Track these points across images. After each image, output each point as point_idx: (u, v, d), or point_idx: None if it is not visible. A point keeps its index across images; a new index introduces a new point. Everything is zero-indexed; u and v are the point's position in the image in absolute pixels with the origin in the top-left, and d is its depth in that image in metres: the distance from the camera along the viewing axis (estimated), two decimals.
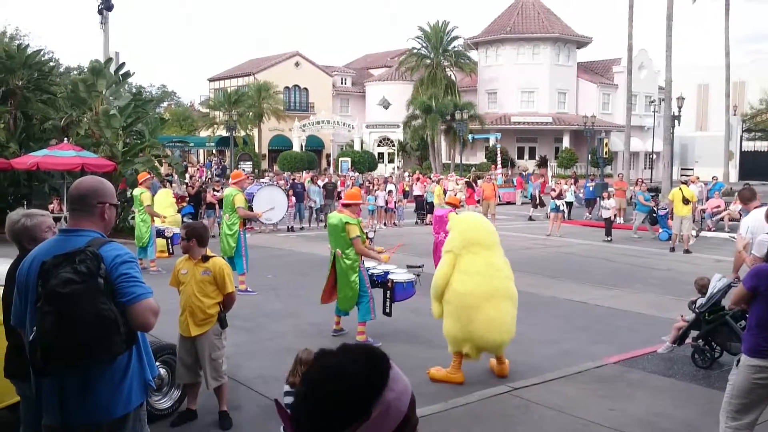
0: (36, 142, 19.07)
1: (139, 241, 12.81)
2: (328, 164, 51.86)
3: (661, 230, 19.23)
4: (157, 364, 5.02)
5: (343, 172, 40.87)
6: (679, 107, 32.92)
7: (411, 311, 9.17)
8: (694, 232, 17.56)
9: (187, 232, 5.61)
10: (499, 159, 42.14)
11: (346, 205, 8.22)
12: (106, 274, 2.89)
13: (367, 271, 8.28)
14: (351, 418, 1.28)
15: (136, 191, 13.29)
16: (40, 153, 17.05)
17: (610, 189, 22.77)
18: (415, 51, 50.97)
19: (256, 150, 50.87)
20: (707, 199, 23.16)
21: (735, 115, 52.01)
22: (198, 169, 40.11)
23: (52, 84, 20.78)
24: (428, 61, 50.05)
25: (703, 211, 22.08)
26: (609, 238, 18.76)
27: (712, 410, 5.50)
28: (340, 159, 47.93)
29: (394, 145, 52.58)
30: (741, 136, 53.78)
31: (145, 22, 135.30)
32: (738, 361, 4.60)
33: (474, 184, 26.33)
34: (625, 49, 31.70)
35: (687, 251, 16.60)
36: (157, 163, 20.49)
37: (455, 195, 14.32)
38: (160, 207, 13.90)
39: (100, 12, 22.26)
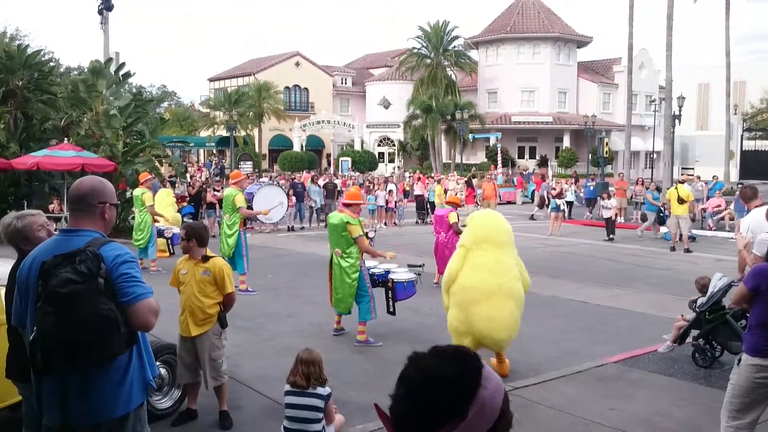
0: (36, 142, 19.07)
1: (137, 241, 12.81)
2: (329, 164, 51.87)
3: (666, 230, 19.08)
4: (158, 363, 5.02)
5: (344, 172, 40.89)
6: (680, 107, 32.91)
7: (412, 311, 9.16)
8: (663, 229, 17.68)
9: (187, 232, 5.61)
10: (499, 159, 42.14)
11: (346, 205, 8.22)
12: (107, 274, 2.89)
13: (368, 270, 8.27)
14: (448, 418, 1.32)
15: (137, 191, 13.29)
16: (40, 153, 17.04)
17: (610, 189, 22.77)
18: (415, 51, 50.96)
19: (257, 150, 50.87)
20: (708, 198, 23.14)
21: (735, 114, 52.03)
22: (198, 168, 40.07)
23: (52, 84, 20.78)
24: (428, 61, 50.04)
25: (704, 210, 22.07)
26: (611, 237, 18.74)
27: (712, 409, 5.50)
28: (341, 159, 47.94)
29: (394, 145, 52.58)
30: (741, 136, 53.79)
31: (146, 22, 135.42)
32: (739, 360, 4.59)
33: (471, 184, 26.32)
34: (625, 48, 31.72)
35: (687, 250, 16.58)
36: (157, 164, 20.49)
37: (456, 194, 14.33)
38: (160, 207, 13.91)
39: (100, 12, 22.27)
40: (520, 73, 49.73)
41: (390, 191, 22.73)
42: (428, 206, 23.53)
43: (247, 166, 42.81)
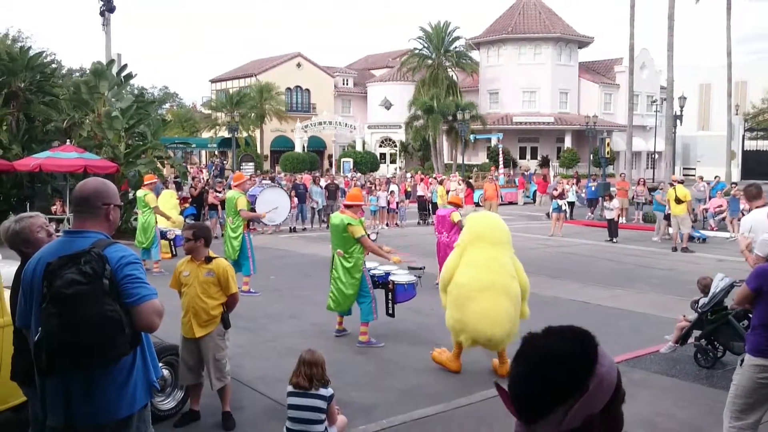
0: (38, 144, 19.10)
1: (141, 243, 12.82)
2: (330, 165, 51.88)
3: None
4: (160, 365, 5.03)
5: (345, 172, 40.88)
6: (681, 107, 32.90)
7: (413, 311, 9.17)
8: (670, 230, 17.59)
9: (195, 232, 5.61)
10: (501, 159, 42.14)
11: (347, 206, 8.26)
12: (111, 275, 2.90)
13: (369, 271, 8.29)
14: (570, 394, 1.37)
15: (140, 192, 13.31)
16: (42, 155, 17.07)
17: (612, 189, 22.75)
18: (416, 51, 50.96)
19: (258, 151, 50.90)
20: (710, 198, 23.12)
21: (737, 114, 51.99)
22: (199, 170, 40.05)
23: (54, 86, 20.80)
24: (430, 62, 50.04)
25: (706, 210, 22.06)
26: (613, 240, 18.72)
27: (715, 410, 5.50)
28: (342, 160, 47.95)
29: (395, 146, 52.59)
30: (743, 136, 53.80)
31: (147, 24, 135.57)
32: (742, 360, 4.60)
33: (471, 184, 26.31)
34: (626, 48, 31.70)
35: (686, 249, 16.62)
36: (159, 165, 20.51)
37: (457, 195, 14.35)
38: (164, 209, 13.93)
39: (102, 14, 22.31)
40: (522, 73, 49.71)
41: (392, 192, 22.73)
42: (430, 207, 23.53)
43: (248, 167, 42.85)
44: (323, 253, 13.28)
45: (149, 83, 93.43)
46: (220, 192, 20.57)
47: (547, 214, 24.53)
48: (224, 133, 48.20)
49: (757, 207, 7.00)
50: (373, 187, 23.82)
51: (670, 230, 18.45)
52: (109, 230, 3.21)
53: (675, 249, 16.89)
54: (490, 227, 7.16)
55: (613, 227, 19.02)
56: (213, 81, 62.10)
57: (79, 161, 16.72)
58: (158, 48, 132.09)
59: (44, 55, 22.96)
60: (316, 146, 52.94)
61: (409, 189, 27.16)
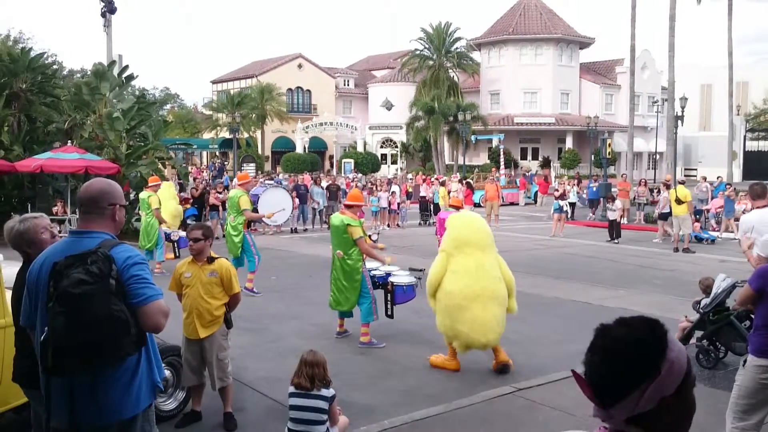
0: (40, 144, 19.11)
1: (143, 245, 12.83)
2: (331, 166, 51.89)
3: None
4: (163, 365, 5.03)
5: (347, 173, 40.90)
6: (682, 107, 32.85)
7: (413, 312, 9.16)
8: (670, 230, 17.51)
9: (203, 232, 5.64)
10: (502, 160, 42.12)
11: (348, 207, 8.28)
12: (118, 276, 2.91)
13: (369, 272, 8.29)
14: (642, 378, 1.48)
15: (144, 194, 13.32)
16: (43, 156, 17.08)
17: (613, 190, 22.74)
18: (417, 52, 50.98)
19: (260, 152, 50.93)
20: (712, 199, 23.11)
21: (738, 115, 51.93)
22: (200, 171, 40.07)
23: (55, 87, 20.82)
24: (431, 63, 50.06)
25: (707, 211, 22.04)
26: (614, 240, 18.71)
27: (717, 411, 5.49)
28: (343, 160, 47.98)
29: (397, 147, 52.61)
30: (744, 136, 53.75)
31: (148, 25, 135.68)
32: (745, 361, 4.59)
33: (471, 185, 26.32)
34: (627, 49, 31.69)
35: (687, 250, 16.60)
36: (160, 166, 20.52)
37: (458, 196, 14.35)
38: (163, 198, 13.91)
39: (103, 15, 22.33)
40: (523, 74, 49.71)
41: (393, 193, 22.73)
42: (432, 208, 23.56)
43: (249, 168, 42.83)
44: (325, 254, 13.28)
45: (150, 84, 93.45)
46: (220, 193, 20.58)
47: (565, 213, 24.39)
48: (225, 134, 48.21)
49: (758, 207, 6.97)
50: (374, 188, 23.81)
51: (670, 230, 18.43)
52: (114, 231, 3.22)
53: (676, 250, 16.86)
54: (475, 231, 7.09)
55: (615, 228, 19.01)
56: (214, 82, 62.15)
57: (80, 162, 16.73)
58: (159, 49, 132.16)
59: (45, 56, 23.02)
60: (317, 147, 52.96)
61: (410, 190, 27.15)
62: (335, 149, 53.70)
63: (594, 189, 25.84)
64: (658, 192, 26.30)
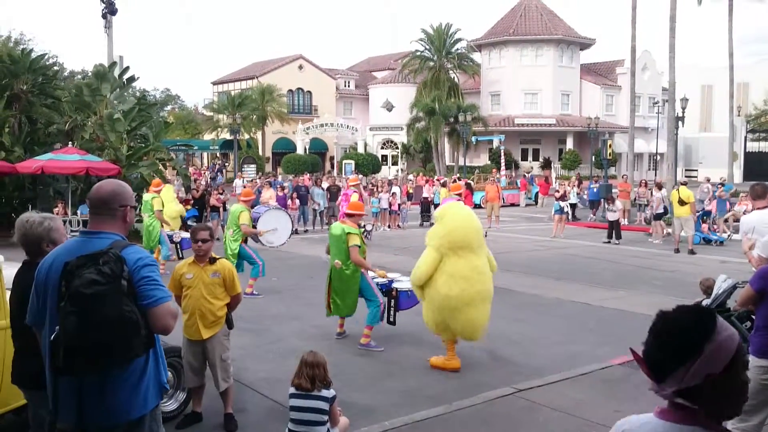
0: (40, 146, 19.11)
1: (147, 246, 12.84)
2: (332, 167, 51.91)
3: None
4: None
5: (347, 174, 40.89)
6: (683, 108, 32.85)
7: (415, 313, 9.12)
8: (668, 230, 17.43)
9: (210, 232, 5.69)
10: (502, 161, 42.13)
11: (349, 215, 8.28)
12: (129, 277, 2.91)
13: (373, 279, 8.28)
14: (688, 357, 1.73)
15: (147, 196, 13.34)
16: (44, 157, 17.06)
17: (614, 191, 22.72)
18: (418, 53, 51.00)
19: (260, 153, 50.96)
20: (714, 199, 23.05)
21: (739, 115, 51.90)
22: (199, 172, 40.04)
23: (56, 88, 20.83)
24: (431, 64, 50.08)
25: (709, 212, 21.99)
26: (611, 241, 18.70)
27: None
28: (344, 162, 48.00)
29: (397, 148, 52.62)
30: (745, 137, 53.72)
31: (149, 26, 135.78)
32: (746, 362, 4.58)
33: (471, 186, 26.30)
34: (628, 50, 31.70)
35: (691, 252, 16.56)
36: (161, 167, 20.53)
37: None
38: (164, 200, 13.93)
39: (104, 16, 22.33)
40: (523, 75, 49.72)
41: (393, 194, 22.73)
42: (433, 208, 23.53)
43: (250, 170, 42.86)
44: (325, 255, 13.29)
45: (151, 85, 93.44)
46: (222, 194, 20.61)
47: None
48: (226, 135, 48.25)
49: (759, 208, 6.96)
50: (375, 189, 23.81)
51: (669, 230, 18.43)
52: (124, 231, 3.24)
53: (677, 251, 16.83)
54: (474, 232, 7.02)
55: (615, 229, 18.99)
56: (215, 83, 62.19)
57: (81, 163, 16.72)
58: (160, 50, 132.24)
59: (46, 57, 22.99)
60: (318, 148, 52.98)
61: (410, 191, 27.14)
62: (336, 150, 53.71)
63: (595, 190, 25.84)
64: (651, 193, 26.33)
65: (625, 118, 41.05)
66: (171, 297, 3.06)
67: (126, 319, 2.83)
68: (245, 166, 43.31)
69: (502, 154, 42.74)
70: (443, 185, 25.22)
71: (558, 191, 22.29)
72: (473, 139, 43.93)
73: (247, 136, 49.94)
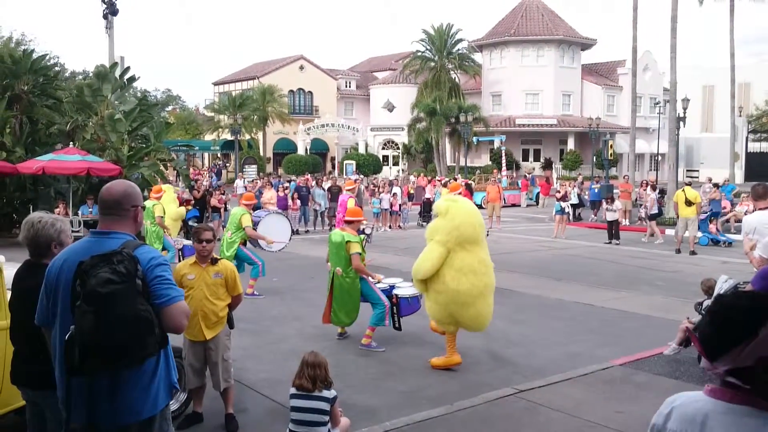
0: (42, 146, 19.13)
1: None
2: (333, 167, 51.94)
3: (701, 234, 18.59)
4: None
5: (348, 175, 40.90)
6: (684, 109, 32.84)
7: (416, 314, 9.14)
8: (693, 233, 17.19)
9: (213, 233, 5.72)
10: (503, 161, 42.12)
11: (348, 222, 8.26)
12: (143, 276, 2.93)
13: (375, 284, 8.27)
14: (742, 338, 1.79)
15: (148, 203, 13.33)
16: (45, 157, 17.08)
17: (615, 191, 22.70)
18: (419, 54, 51.02)
19: (261, 153, 50.99)
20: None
21: (740, 116, 51.87)
22: (199, 173, 40.04)
23: (57, 89, 20.85)
24: (432, 64, 50.08)
25: (717, 213, 21.91)
26: (611, 242, 18.68)
27: None
28: (345, 162, 48.01)
29: (398, 148, 52.63)
30: (746, 138, 53.64)
31: (150, 27, 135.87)
32: None
33: (470, 187, 26.28)
34: (629, 50, 31.68)
35: (693, 253, 16.52)
36: (162, 167, 20.54)
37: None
38: (164, 201, 13.93)
39: (105, 17, 22.34)
40: (524, 75, 49.72)
41: (394, 194, 22.73)
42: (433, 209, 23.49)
43: (251, 170, 42.85)
44: (325, 256, 13.29)
45: (152, 86, 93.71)
46: (223, 194, 20.61)
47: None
48: (227, 136, 48.27)
49: (761, 208, 6.96)
50: (376, 190, 23.81)
51: (659, 231, 18.40)
52: (134, 231, 3.26)
53: (678, 251, 16.79)
54: (478, 227, 7.06)
55: (614, 229, 18.96)
56: (216, 84, 62.25)
57: (82, 164, 16.73)
58: (161, 51, 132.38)
59: (47, 58, 23.03)
60: (319, 149, 53.00)
61: (411, 191, 27.14)
62: (337, 151, 53.74)
63: (596, 190, 25.82)
64: (662, 193, 26.29)
65: (627, 118, 41.04)
66: (183, 296, 3.07)
67: (141, 318, 2.84)
68: (246, 166, 43.32)
69: (503, 154, 42.74)
70: (445, 186, 25.21)
71: (559, 192, 22.27)
72: (474, 139, 43.91)
73: (248, 137, 49.97)
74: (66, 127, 19.47)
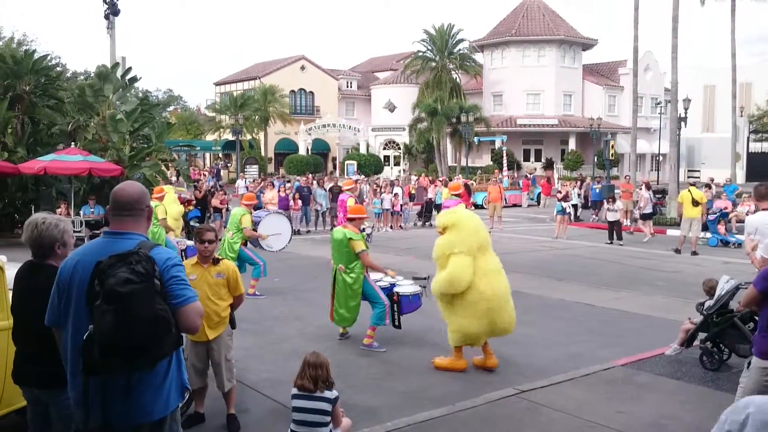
0: (43, 146, 19.15)
1: None
2: (334, 167, 51.96)
3: (710, 235, 18.69)
4: None
5: (350, 175, 40.93)
6: (686, 109, 32.83)
7: (417, 314, 9.14)
8: (696, 234, 17.13)
9: (215, 234, 5.72)
10: (505, 161, 42.11)
11: (350, 220, 8.27)
12: (160, 276, 2.93)
13: (375, 282, 8.27)
14: None
15: (151, 204, 13.31)
16: (47, 158, 17.10)
17: (616, 192, 22.67)
18: (420, 54, 51.03)
19: (262, 154, 51.01)
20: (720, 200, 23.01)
21: (742, 116, 51.82)
22: (200, 173, 40.07)
23: (59, 89, 20.87)
24: (433, 64, 50.10)
25: (726, 213, 21.88)
26: (612, 242, 18.66)
27: (720, 413, 5.47)
28: (346, 162, 48.02)
29: (399, 148, 52.63)
30: (748, 138, 53.59)
31: (152, 27, 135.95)
32: (749, 363, 4.57)
33: (469, 188, 26.29)
34: (630, 50, 31.65)
35: (694, 253, 16.49)
36: (163, 167, 20.55)
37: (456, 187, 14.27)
38: (166, 201, 13.93)
39: (106, 17, 22.37)
40: (526, 75, 49.71)
41: (395, 194, 22.74)
42: (433, 209, 23.62)
43: (252, 170, 42.86)
44: (327, 256, 13.26)
45: (153, 86, 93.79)
46: (225, 194, 20.60)
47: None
48: (228, 136, 48.29)
49: (763, 209, 6.95)
50: (377, 190, 23.82)
51: (706, 234, 18.33)
52: (145, 231, 3.27)
53: (679, 251, 16.73)
54: (485, 230, 7.22)
55: (616, 229, 18.94)
56: (217, 84, 62.27)
57: (83, 164, 16.75)
58: (162, 51, 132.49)
59: (49, 58, 23.07)
60: (320, 149, 53.01)
61: (413, 191, 27.14)
62: (338, 151, 53.75)
63: (597, 191, 25.81)
64: (663, 194, 26.26)
65: (628, 118, 41.01)
66: (197, 297, 3.08)
67: (160, 318, 2.85)
68: (247, 166, 43.35)
69: (505, 154, 42.73)
70: (445, 186, 25.21)
71: (560, 192, 22.26)
72: (475, 139, 43.92)
73: (249, 137, 49.98)
74: (68, 127, 19.49)
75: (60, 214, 17.38)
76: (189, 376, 5.57)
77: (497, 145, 45.36)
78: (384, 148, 53.49)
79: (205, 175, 37.28)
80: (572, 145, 49.10)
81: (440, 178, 32.62)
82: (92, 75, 22.92)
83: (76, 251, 3.23)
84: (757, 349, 4.51)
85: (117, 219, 3.21)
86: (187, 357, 5.62)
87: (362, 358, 7.74)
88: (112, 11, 22.19)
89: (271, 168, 50.12)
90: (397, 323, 8.25)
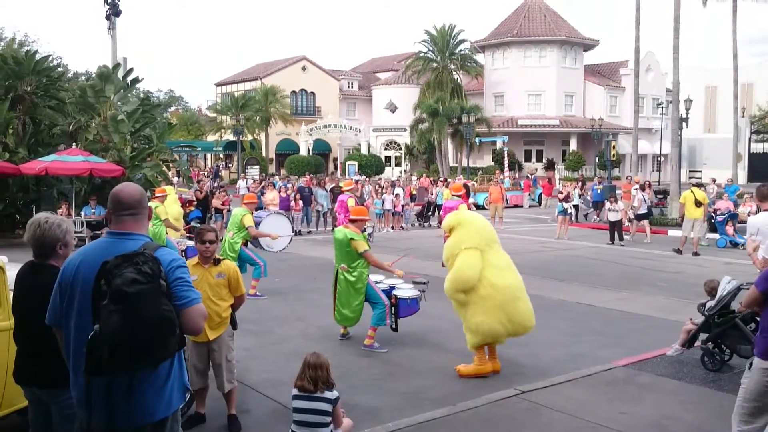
0: (44, 147, 19.17)
1: None
2: (336, 168, 51.96)
3: (719, 237, 18.64)
4: None
5: (351, 175, 40.95)
6: (687, 109, 32.78)
7: (418, 315, 9.13)
8: (698, 234, 17.09)
9: (216, 234, 5.72)
10: (506, 162, 42.09)
11: (352, 221, 8.26)
12: (165, 277, 2.94)
13: (376, 284, 8.26)
14: None
15: (152, 204, 13.29)
16: (48, 158, 17.11)
17: (617, 192, 22.67)
18: (421, 54, 51.04)
19: (264, 154, 51.02)
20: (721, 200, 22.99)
21: (743, 116, 51.80)
22: (200, 173, 40.06)
23: (60, 90, 20.88)
24: (435, 65, 50.10)
25: (735, 214, 21.85)
26: (613, 242, 18.64)
27: (722, 414, 5.47)
28: (348, 163, 48.02)
29: (401, 149, 52.63)
30: (749, 138, 53.55)
31: (153, 28, 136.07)
32: (750, 364, 4.56)
33: (468, 189, 26.26)
34: (632, 51, 31.64)
35: (696, 254, 16.47)
36: (165, 168, 20.56)
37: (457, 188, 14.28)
38: (166, 203, 13.94)
39: (108, 18, 22.39)
40: (527, 76, 49.71)
41: (397, 195, 22.74)
42: (434, 209, 23.68)
43: (254, 170, 42.87)
44: (328, 257, 13.27)
45: (155, 87, 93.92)
46: (226, 195, 20.58)
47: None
48: (229, 137, 48.35)
49: (766, 209, 6.94)
50: (380, 190, 23.82)
51: (713, 235, 18.31)
52: (146, 231, 3.28)
53: (680, 252, 16.71)
54: (491, 228, 7.28)
55: (619, 230, 18.92)
56: (218, 84, 62.31)
57: (85, 164, 16.76)
58: (164, 52, 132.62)
59: (50, 59, 23.09)
60: (321, 149, 53.02)
61: (414, 192, 27.14)
62: (339, 151, 53.76)
63: (598, 191, 25.79)
64: (664, 194, 26.25)
65: (629, 119, 41.00)
66: (201, 298, 3.09)
67: (165, 319, 2.86)
68: (248, 167, 43.36)
69: (506, 155, 42.72)
70: (446, 186, 25.19)
71: (561, 192, 22.25)
72: (476, 140, 43.90)
73: (250, 138, 50.01)
74: (69, 128, 19.50)
75: (61, 215, 17.41)
76: (190, 377, 5.60)
77: (498, 145, 45.34)
78: (385, 149, 53.50)
79: (204, 175, 37.33)
80: (573, 145, 49.08)
81: (442, 179, 32.66)
82: (93, 76, 22.93)
83: (79, 251, 3.23)
84: (758, 350, 4.50)
85: (120, 219, 3.21)
86: (188, 357, 5.63)
87: (363, 358, 7.73)
88: (114, 12, 22.21)
89: (272, 168, 50.13)
90: (394, 326, 8.24)
